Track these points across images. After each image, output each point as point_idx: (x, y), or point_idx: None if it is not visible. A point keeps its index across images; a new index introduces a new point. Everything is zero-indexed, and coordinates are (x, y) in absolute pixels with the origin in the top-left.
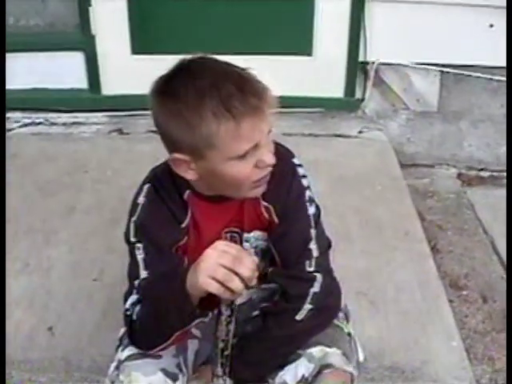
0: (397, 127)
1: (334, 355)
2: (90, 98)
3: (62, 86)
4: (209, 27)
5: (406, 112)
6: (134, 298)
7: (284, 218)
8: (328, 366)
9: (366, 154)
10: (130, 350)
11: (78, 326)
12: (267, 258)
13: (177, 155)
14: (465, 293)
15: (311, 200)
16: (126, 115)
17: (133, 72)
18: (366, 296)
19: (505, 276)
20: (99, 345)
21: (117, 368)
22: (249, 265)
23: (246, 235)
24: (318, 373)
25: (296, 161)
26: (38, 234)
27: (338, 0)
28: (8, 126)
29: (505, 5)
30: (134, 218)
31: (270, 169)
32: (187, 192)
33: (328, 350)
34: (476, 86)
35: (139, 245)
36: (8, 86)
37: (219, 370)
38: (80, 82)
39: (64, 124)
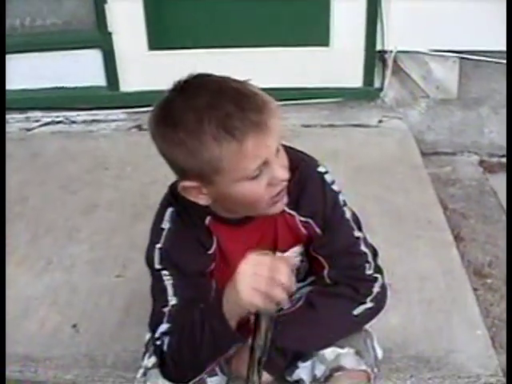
0: (417, 115)
1: (346, 356)
2: (109, 95)
3: (81, 84)
4: (225, 21)
5: (425, 100)
6: (164, 327)
7: (326, 227)
8: (339, 368)
9: (386, 143)
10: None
11: (101, 323)
12: (301, 270)
13: (186, 183)
14: (489, 281)
15: (345, 204)
16: (144, 111)
17: (150, 68)
18: (389, 286)
19: None
20: (123, 341)
21: (144, 375)
22: (286, 271)
23: (279, 255)
24: (330, 375)
25: (322, 169)
26: (60, 232)
27: None
28: (28, 125)
29: None
30: (159, 245)
31: (285, 183)
32: (208, 218)
33: (340, 350)
34: (495, 72)
35: (166, 272)
36: (26, 86)
37: (255, 379)
38: (98, 79)
39: (83, 122)
